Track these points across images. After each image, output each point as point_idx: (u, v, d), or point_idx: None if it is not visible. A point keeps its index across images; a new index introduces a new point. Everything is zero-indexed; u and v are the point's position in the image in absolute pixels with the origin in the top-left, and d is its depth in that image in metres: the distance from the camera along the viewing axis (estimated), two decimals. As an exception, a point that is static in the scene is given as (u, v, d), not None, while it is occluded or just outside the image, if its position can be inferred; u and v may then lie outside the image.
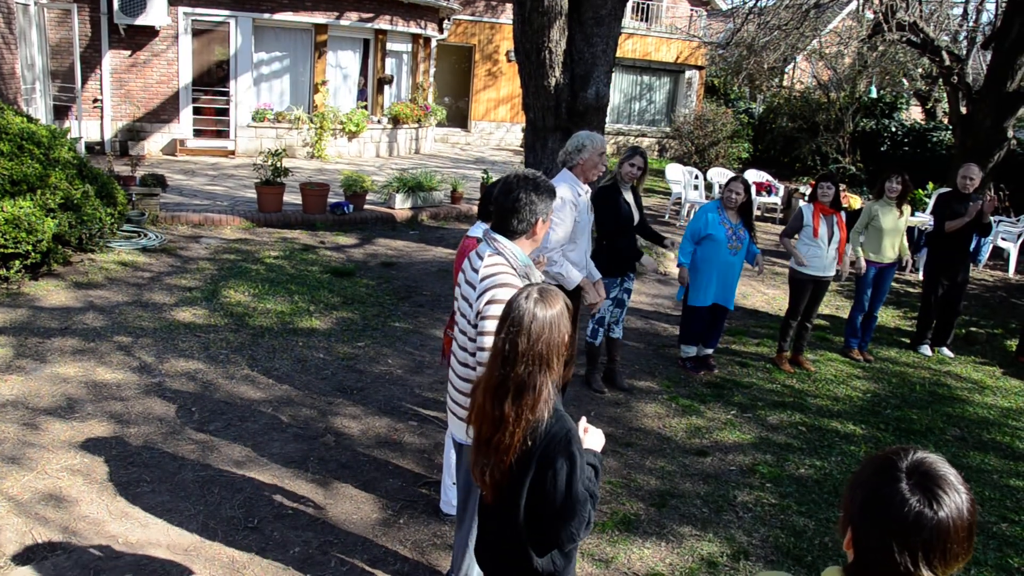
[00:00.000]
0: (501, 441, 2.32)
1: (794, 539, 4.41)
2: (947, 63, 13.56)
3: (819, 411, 6.24)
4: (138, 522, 4.04)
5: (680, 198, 14.22)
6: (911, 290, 10.53)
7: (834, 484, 5.07)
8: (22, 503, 4.10)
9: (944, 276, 7.68)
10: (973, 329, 8.70)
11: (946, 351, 7.93)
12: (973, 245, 11.62)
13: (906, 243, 7.47)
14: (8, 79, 11.20)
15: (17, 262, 7.06)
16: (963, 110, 13.61)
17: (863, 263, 7.32)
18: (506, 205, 3.09)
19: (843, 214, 6.99)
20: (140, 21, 14.39)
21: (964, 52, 14.74)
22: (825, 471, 5.24)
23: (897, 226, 7.29)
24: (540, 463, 2.32)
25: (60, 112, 14.56)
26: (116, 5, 14.17)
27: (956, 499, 1.41)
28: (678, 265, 6.60)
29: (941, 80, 16.68)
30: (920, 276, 10.48)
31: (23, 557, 3.69)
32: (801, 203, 7.08)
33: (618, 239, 6.12)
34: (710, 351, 6.90)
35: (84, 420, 5.04)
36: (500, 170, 15.63)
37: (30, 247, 6.99)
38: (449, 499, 4.26)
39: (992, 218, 11.78)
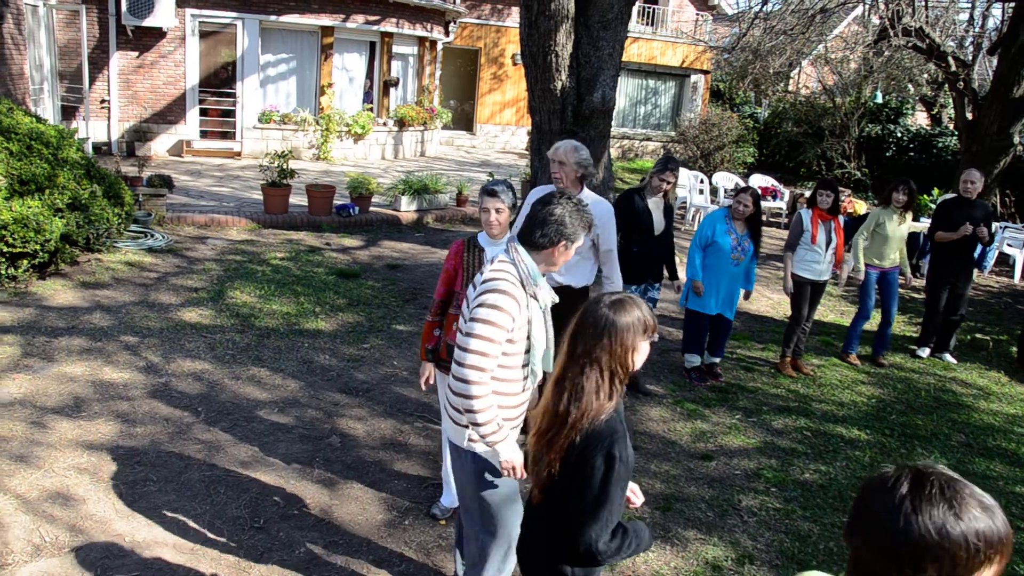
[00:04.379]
0: (556, 437, 2.35)
1: (799, 544, 4.42)
2: (953, 68, 13.55)
3: (824, 416, 6.24)
4: (144, 521, 4.06)
5: (685, 202, 14.23)
6: (916, 296, 10.51)
7: (839, 489, 5.07)
8: (29, 501, 4.12)
9: (946, 281, 7.69)
10: (979, 335, 8.69)
11: (948, 357, 7.91)
12: (979, 251, 11.63)
13: (906, 255, 7.47)
14: (17, 80, 11.24)
15: (25, 261, 7.09)
16: (969, 116, 13.59)
17: (862, 271, 7.35)
18: (538, 215, 3.02)
19: (840, 219, 6.99)
20: (148, 23, 14.45)
21: (970, 58, 14.74)
22: (830, 476, 5.24)
23: (901, 233, 7.31)
24: (579, 459, 2.32)
25: (68, 113, 14.62)
26: (124, 6, 14.23)
27: (939, 518, 1.37)
28: (688, 276, 6.57)
29: (947, 85, 16.67)
30: (923, 281, 10.49)
31: (30, 555, 3.71)
32: (800, 209, 7.09)
33: (631, 246, 6.14)
34: (716, 360, 6.85)
35: (91, 419, 5.05)
36: (505, 173, 15.65)
37: (38, 247, 7.02)
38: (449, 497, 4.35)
39: (997, 224, 11.79)
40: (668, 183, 6.08)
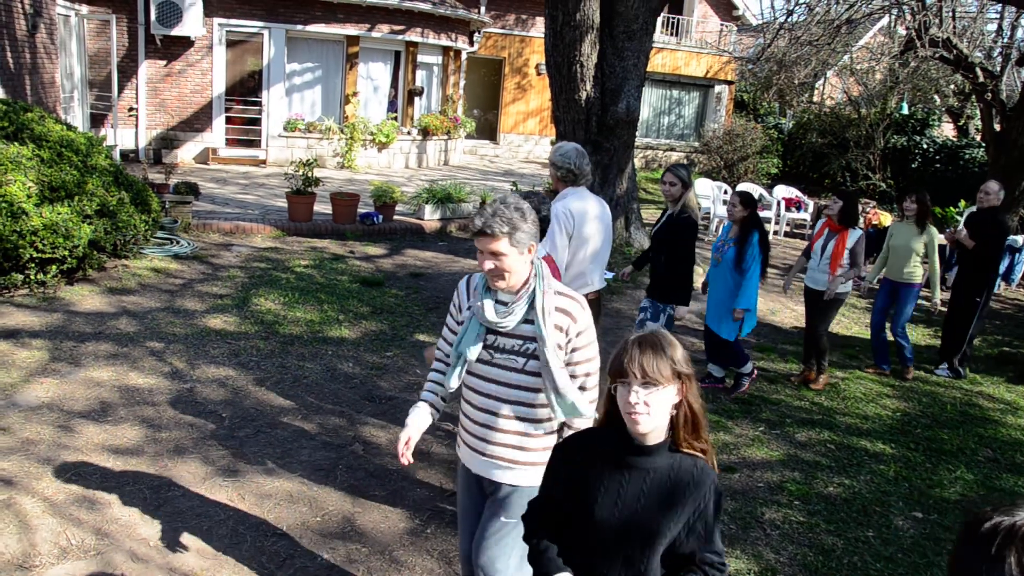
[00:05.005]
0: None
1: (822, 558, 4.37)
2: (981, 80, 13.41)
3: (848, 429, 6.18)
4: (168, 526, 4.09)
5: (709, 213, 14.19)
6: (942, 309, 10.37)
7: (863, 503, 5.02)
8: (56, 504, 4.17)
9: (959, 294, 7.62)
10: (1006, 349, 8.58)
11: (939, 371, 7.74)
12: (1006, 264, 11.46)
13: (935, 272, 7.34)
14: (48, 88, 11.43)
15: (54, 267, 7.19)
16: (997, 127, 13.46)
17: (873, 281, 7.44)
18: None
19: (851, 232, 6.67)
20: (176, 32, 14.66)
21: (998, 69, 14.57)
22: (854, 490, 5.19)
23: (911, 246, 7.18)
24: None
25: (96, 120, 14.84)
26: (153, 16, 14.44)
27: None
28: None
29: (974, 97, 16.50)
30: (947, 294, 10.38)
31: (57, 557, 3.75)
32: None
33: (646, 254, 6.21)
34: (711, 370, 6.77)
35: (117, 424, 5.11)
36: (528, 183, 15.67)
37: (67, 252, 7.12)
38: None
39: (1019, 237, 11.61)
40: (669, 185, 5.91)
